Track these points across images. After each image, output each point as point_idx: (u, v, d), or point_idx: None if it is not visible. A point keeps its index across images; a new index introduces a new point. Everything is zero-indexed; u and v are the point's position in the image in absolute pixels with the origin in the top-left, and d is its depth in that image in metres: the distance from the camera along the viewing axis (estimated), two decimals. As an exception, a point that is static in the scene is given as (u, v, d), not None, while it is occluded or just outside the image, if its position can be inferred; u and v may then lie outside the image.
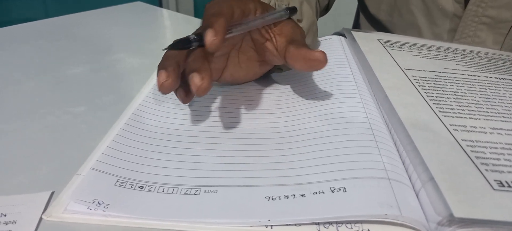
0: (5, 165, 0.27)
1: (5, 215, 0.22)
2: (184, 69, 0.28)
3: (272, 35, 0.33)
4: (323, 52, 0.28)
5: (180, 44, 0.27)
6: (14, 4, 1.49)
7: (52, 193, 0.24)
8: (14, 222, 0.22)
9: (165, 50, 0.27)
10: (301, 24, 0.38)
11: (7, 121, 0.33)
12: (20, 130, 0.32)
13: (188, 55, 0.28)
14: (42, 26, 0.59)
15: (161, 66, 0.27)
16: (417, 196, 0.23)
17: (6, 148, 0.29)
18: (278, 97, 0.35)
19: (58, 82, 0.41)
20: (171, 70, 0.26)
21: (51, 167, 0.27)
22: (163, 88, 0.26)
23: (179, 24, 0.66)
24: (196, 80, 0.25)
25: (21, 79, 0.41)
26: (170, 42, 0.27)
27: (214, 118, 0.32)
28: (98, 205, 0.22)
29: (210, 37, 0.26)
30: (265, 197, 0.23)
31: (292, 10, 0.36)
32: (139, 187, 0.24)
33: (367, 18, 0.62)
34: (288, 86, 0.36)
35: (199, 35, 0.27)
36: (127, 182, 0.24)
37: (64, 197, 0.23)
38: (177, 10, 1.98)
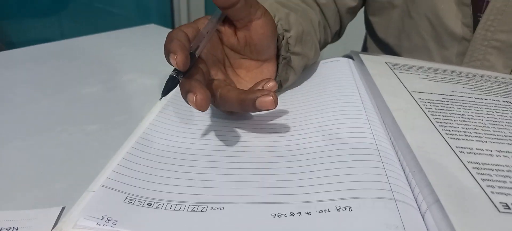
0: (19, 180, 0.28)
1: (16, 229, 0.23)
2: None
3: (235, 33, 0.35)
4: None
5: (171, 85, 0.28)
6: (32, 25, 1.54)
7: (63, 208, 0.25)
8: (25, 236, 0.22)
9: (163, 97, 0.28)
10: (289, 34, 0.38)
11: (24, 137, 0.34)
12: (36, 147, 0.33)
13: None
14: (58, 47, 0.61)
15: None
16: (423, 218, 0.23)
17: (22, 164, 0.30)
18: (285, 117, 0.35)
19: (72, 101, 0.42)
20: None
21: (64, 183, 0.28)
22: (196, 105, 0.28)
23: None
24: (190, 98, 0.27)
25: (38, 97, 0.42)
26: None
27: (222, 137, 0.32)
28: (107, 221, 0.22)
29: (176, 61, 0.27)
30: (271, 214, 0.23)
31: None
32: (147, 204, 0.24)
33: (375, 42, 0.63)
34: (296, 106, 0.37)
35: (174, 70, 0.29)
36: (136, 199, 0.25)
37: (74, 212, 0.24)
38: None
